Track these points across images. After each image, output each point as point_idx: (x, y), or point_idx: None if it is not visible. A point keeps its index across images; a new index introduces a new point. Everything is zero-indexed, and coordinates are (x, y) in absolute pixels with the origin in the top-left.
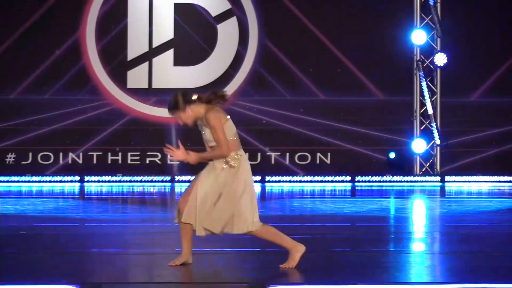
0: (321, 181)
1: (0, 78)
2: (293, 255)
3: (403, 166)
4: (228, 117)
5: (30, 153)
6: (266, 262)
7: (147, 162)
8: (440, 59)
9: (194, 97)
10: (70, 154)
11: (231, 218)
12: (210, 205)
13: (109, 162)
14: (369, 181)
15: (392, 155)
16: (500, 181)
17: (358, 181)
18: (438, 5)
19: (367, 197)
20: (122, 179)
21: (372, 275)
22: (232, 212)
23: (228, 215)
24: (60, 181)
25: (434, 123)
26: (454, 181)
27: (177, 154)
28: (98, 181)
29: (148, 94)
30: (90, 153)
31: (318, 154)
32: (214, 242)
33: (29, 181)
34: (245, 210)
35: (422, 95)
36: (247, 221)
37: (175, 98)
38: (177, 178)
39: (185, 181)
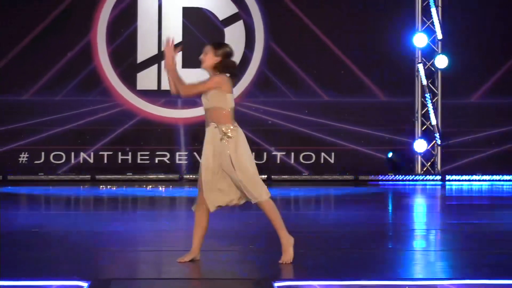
0: (325, 180)
1: (13, 79)
2: (287, 249)
3: (403, 165)
4: (232, 92)
5: (43, 153)
6: (272, 259)
7: (156, 161)
8: (441, 61)
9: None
10: (82, 153)
11: (243, 187)
12: (217, 179)
13: (120, 161)
14: (371, 180)
15: (390, 154)
16: (500, 180)
17: (361, 180)
18: (440, 8)
19: (370, 196)
20: (132, 178)
21: (375, 271)
22: (242, 181)
23: (238, 184)
24: (72, 180)
25: (435, 124)
26: (455, 180)
27: (169, 50)
28: (109, 180)
29: (157, 95)
30: (101, 152)
31: (322, 154)
32: (220, 239)
33: (41, 180)
34: (257, 177)
35: (423, 96)
36: (263, 187)
37: (224, 44)
38: (185, 177)
39: (192, 180)
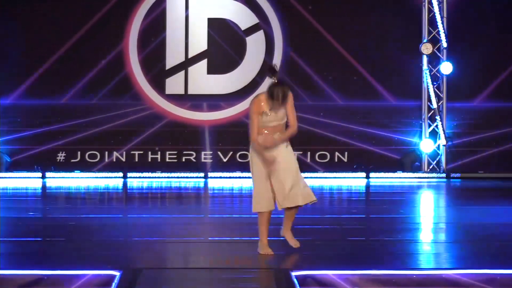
0: (339, 177)
1: (52, 84)
2: (291, 238)
3: (410, 164)
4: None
5: (79, 152)
6: (290, 249)
7: (183, 160)
8: (446, 68)
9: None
10: (115, 153)
11: (302, 189)
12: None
13: (149, 160)
14: (382, 177)
15: (403, 156)
16: (501, 177)
17: (372, 177)
18: (445, 20)
19: (380, 192)
20: (161, 176)
21: (385, 261)
22: (299, 185)
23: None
24: (105, 177)
25: (441, 125)
26: (459, 178)
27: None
28: (140, 177)
29: (184, 99)
30: (132, 152)
31: (336, 153)
32: (242, 230)
33: (77, 177)
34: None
35: (429, 100)
36: (310, 191)
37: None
38: (210, 174)
39: (216, 177)
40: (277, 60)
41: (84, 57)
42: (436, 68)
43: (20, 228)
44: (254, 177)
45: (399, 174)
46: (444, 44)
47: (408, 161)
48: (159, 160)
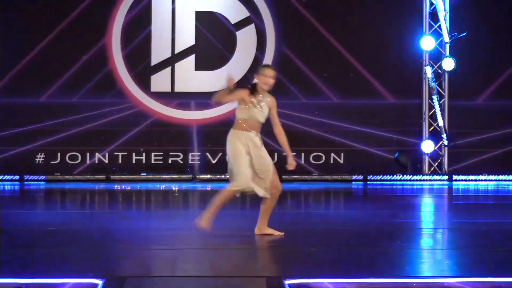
0: (335, 180)
1: (30, 82)
2: (273, 230)
3: (410, 165)
4: None
5: (59, 153)
6: (283, 257)
7: (170, 161)
8: (448, 64)
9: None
10: (97, 154)
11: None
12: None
13: (134, 161)
14: (380, 180)
15: (397, 155)
16: (505, 180)
17: (370, 180)
18: (447, 13)
19: (379, 195)
20: (146, 178)
21: (383, 269)
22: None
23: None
24: (87, 180)
25: (442, 125)
26: (461, 180)
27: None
28: (123, 180)
29: (171, 97)
30: (115, 153)
31: (332, 154)
32: (232, 237)
33: (57, 180)
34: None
35: (430, 98)
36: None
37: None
38: (198, 177)
39: (204, 180)
40: (269, 56)
41: (64, 53)
42: (438, 64)
43: None
44: (235, 158)
45: (399, 176)
46: (446, 39)
47: (405, 161)
48: (144, 161)
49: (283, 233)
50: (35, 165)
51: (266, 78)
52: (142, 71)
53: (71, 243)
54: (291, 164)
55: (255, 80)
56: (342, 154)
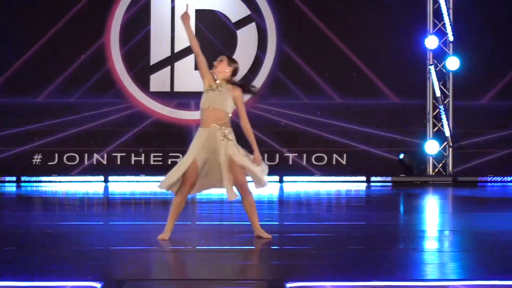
0: (337, 181)
1: (27, 81)
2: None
3: (414, 167)
4: None
5: (56, 154)
6: (284, 259)
7: (169, 162)
8: (452, 63)
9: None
10: (95, 155)
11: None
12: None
13: (133, 162)
14: (383, 181)
15: (401, 156)
16: (511, 181)
17: (373, 181)
18: (451, 11)
19: (382, 197)
20: (145, 179)
21: (386, 272)
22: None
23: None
24: (85, 181)
25: (447, 125)
26: (466, 181)
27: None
28: (122, 181)
29: (170, 97)
30: (114, 154)
31: (334, 155)
32: (232, 239)
33: (55, 182)
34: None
35: (434, 98)
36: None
37: (236, 61)
38: None
39: None
40: (270, 55)
41: (62, 52)
42: (442, 64)
43: None
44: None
45: (402, 177)
46: (451, 38)
47: (410, 163)
48: (143, 162)
49: (270, 236)
50: (32, 166)
51: (216, 62)
52: (141, 70)
53: (69, 246)
54: (257, 158)
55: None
56: (345, 155)
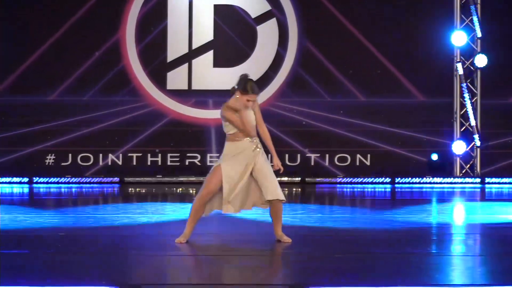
0: (361, 183)
1: (39, 79)
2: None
3: (444, 168)
4: None
5: (70, 154)
6: (303, 264)
7: (187, 163)
8: (481, 60)
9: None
10: (110, 155)
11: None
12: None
13: (149, 163)
14: (409, 183)
15: (434, 156)
16: None
17: (398, 183)
18: (479, 6)
19: (407, 199)
20: (161, 180)
21: (411, 277)
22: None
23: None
24: (100, 182)
25: (474, 125)
26: (495, 183)
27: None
28: (138, 183)
29: (188, 95)
30: (129, 154)
31: (358, 156)
32: (250, 244)
33: (68, 182)
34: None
35: (462, 96)
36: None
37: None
38: None
39: None
40: (291, 52)
41: (76, 49)
42: (470, 61)
43: (4, 240)
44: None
45: (428, 179)
46: (479, 34)
47: (441, 164)
48: (159, 163)
49: (290, 240)
50: (45, 167)
51: (248, 103)
52: (158, 68)
53: (83, 249)
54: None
55: (237, 94)
56: (369, 155)
